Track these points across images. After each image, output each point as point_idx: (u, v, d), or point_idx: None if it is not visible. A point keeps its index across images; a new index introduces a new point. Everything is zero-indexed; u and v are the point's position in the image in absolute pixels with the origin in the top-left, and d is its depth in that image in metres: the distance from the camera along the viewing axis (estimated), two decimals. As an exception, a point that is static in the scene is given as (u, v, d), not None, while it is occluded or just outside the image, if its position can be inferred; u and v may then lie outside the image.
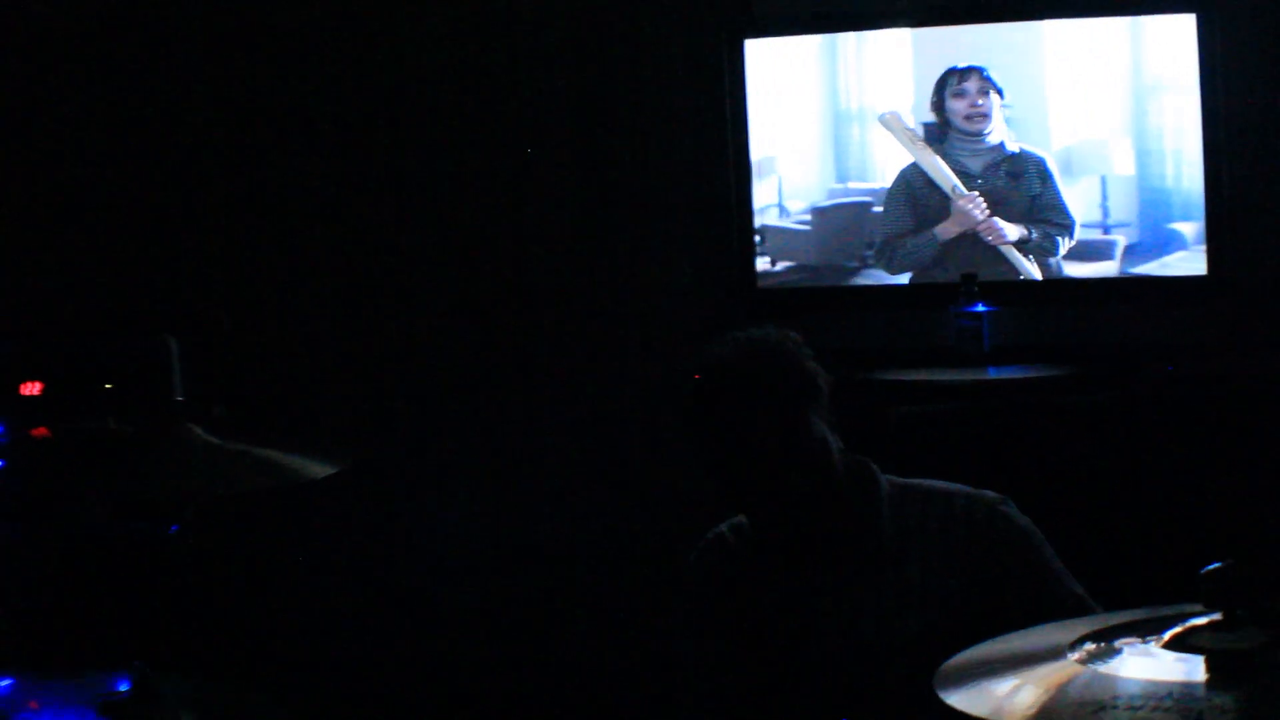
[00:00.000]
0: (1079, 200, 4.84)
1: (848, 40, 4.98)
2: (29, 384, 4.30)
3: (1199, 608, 1.77)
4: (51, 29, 5.16)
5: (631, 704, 4.82)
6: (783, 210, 5.05)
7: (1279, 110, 4.76)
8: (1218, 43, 4.69)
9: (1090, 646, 1.78)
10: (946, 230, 4.91)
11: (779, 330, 2.94)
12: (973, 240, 4.90)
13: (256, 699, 2.65)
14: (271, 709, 2.62)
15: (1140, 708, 1.61)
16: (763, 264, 5.05)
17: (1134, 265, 4.81)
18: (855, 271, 5.02)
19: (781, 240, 5.06)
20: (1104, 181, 4.86)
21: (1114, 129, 4.85)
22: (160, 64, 5.16)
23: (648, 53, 5.08)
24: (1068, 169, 4.85)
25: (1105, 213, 4.85)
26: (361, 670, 4.98)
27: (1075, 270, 4.85)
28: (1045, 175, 4.85)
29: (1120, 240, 4.84)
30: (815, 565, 2.88)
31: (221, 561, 4.76)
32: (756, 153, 5.02)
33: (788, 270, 5.06)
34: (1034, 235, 4.86)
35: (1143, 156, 4.82)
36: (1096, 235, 4.85)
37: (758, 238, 5.04)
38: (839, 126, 5.00)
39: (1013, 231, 4.86)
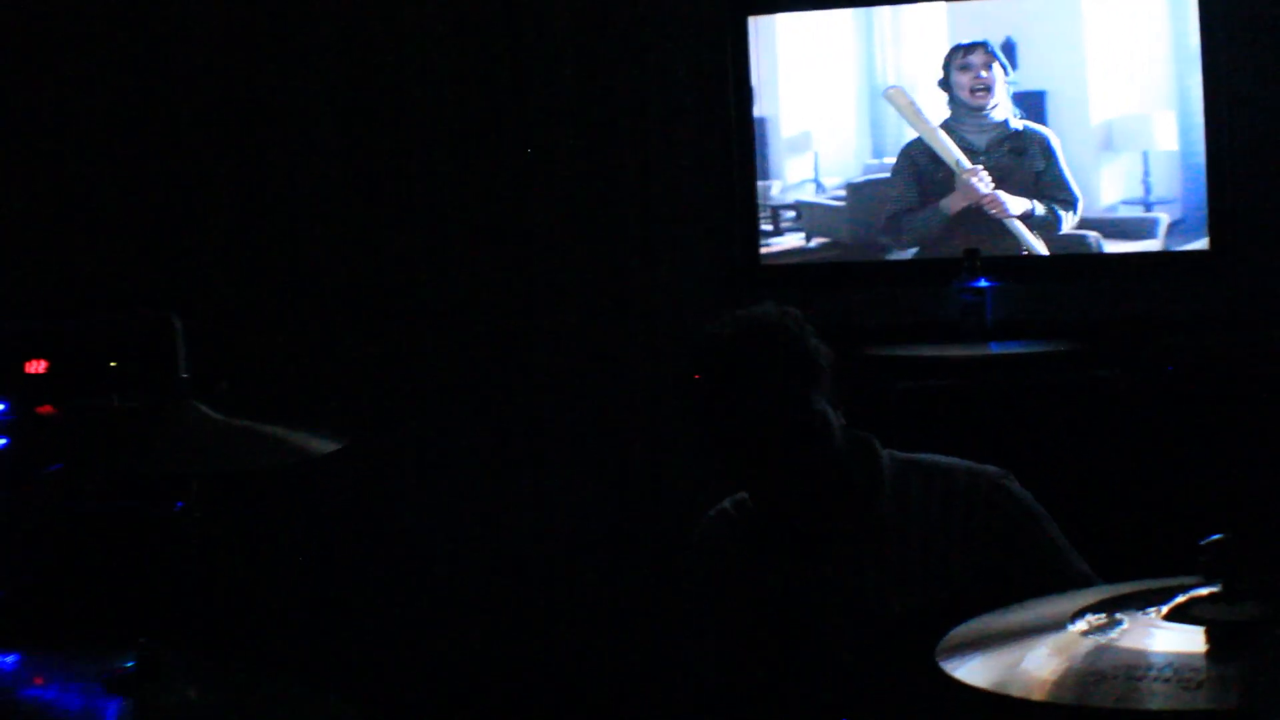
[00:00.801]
0: (1119, 177, 4.83)
1: (883, 14, 4.97)
2: (34, 362, 4.31)
3: (1199, 580, 1.77)
4: (55, 13, 5.16)
5: (630, 691, 4.83)
6: (819, 186, 5.05)
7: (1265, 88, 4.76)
8: (1220, 14, 4.70)
9: (1091, 618, 1.79)
10: (953, 204, 4.92)
11: (779, 307, 2.94)
12: (978, 214, 4.91)
13: (261, 674, 2.66)
14: (276, 684, 2.63)
15: (1140, 679, 1.62)
16: (797, 240, 5.05)
17: (1179, 244, 4.80)
18: (887, 248, 5.03)
19: (817, 216, 5.06)
20: (1146, 157, 4.84)
21: (1156, 103, 4.84)
22: (164, 44, 5.16)
23: (652, 31, 5.07)
24: (1109, 144, 4.84)
25: (1147, 189, 4.84)
26: (364, 646, 4.99)
27: (1115, 248, 4.84)
28: (1049, 152, 4.85)
29: (1164, 218, 4.82)
30: (817, 540, 2.89)
31: (227, 538, 4.77)
32: (792, 128, 5.02)
33: (822, 247, 5.07)
34: (1037, 210, 4.86)
35: (1186, 131, 4.80)
36: (1139, 213, 4.83)
37: (793, 213, 5.04)
38: (875, 101, 5.00)
39: (1017, 205, 4.87)
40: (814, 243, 5.06)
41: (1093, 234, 4.86)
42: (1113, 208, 4.86)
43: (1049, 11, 4.88)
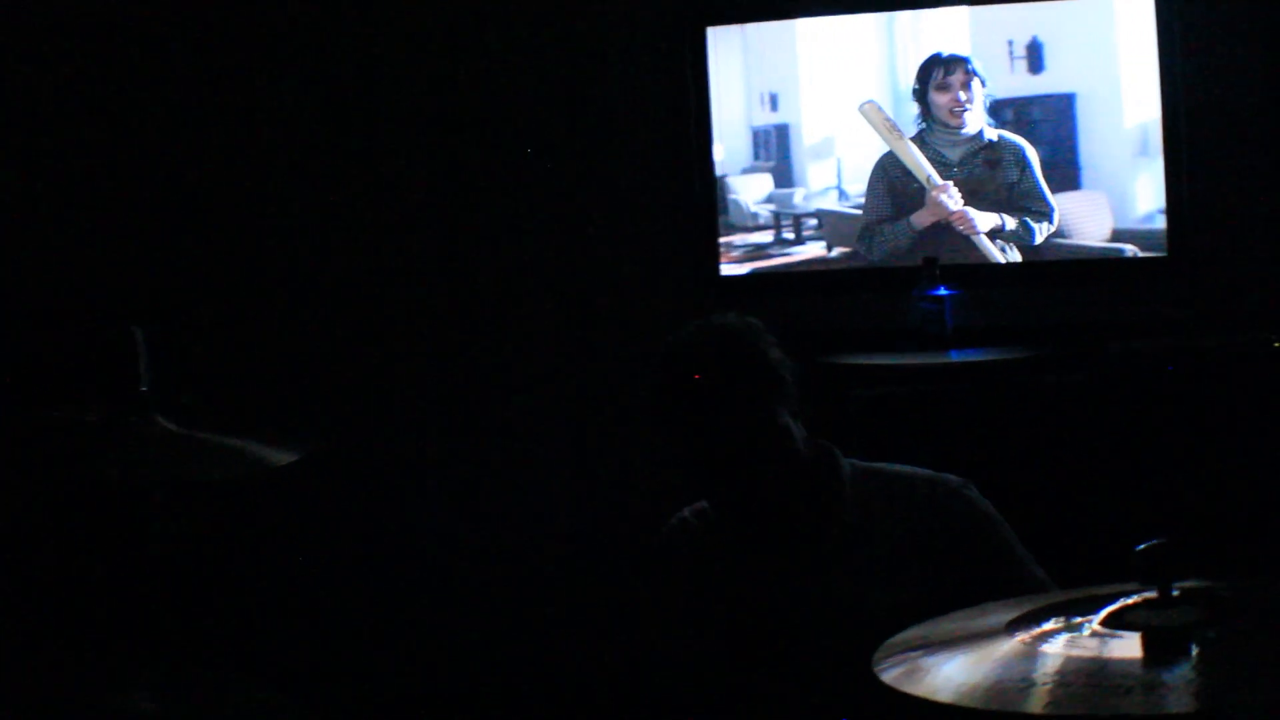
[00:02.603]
0: (1157, 182, 4.82)
1: (904, 19, 4.98)
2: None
3: (1135, 585, 1.79)
4: (23, 23, 5.15)
5: (608, 694, 4.84)
6: (841, 194, 5.07)
7: (1238, 86, 4.79)
8: (1177, 16, 4.72)
9: (1028, 625, 1.81)
10: (921, 219, 4.94)
11: (741, 318, 2.96)
12: (946, 229, 4.92)
13: (223, 685, 2.67)
14: (237, 695, 2.64)
15: (1074, 685, 1.64)
16: (817, 249, 5.06)
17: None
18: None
19: (837, 225, 5.07)
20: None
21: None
22: (130, 55, 5.15)
23: (615, 41, 5.09)
24: (1144, 149, 4.82)
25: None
26: (335, 659, 4.99)
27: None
28: (1024, 163, 4.86)
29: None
30: (779, 549, 2.90)
31: (192, 550, 4.77)
32: (814, 134, 5.03)
33: (843, 256, 5.08)
34: (1007, 225, 4.87)
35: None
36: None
37: (814, 221, 5.05)
38: (898, 107, 5.00)
39: (984, 222, 4.88)
40: (835, 252, 5.08)
41: (1129, 247, 4.85)
42: (1149, 217, 4.86)
43: (1079, 11, 4.86)
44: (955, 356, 4.46)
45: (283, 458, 2.95)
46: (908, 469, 2.99)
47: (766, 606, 2.89)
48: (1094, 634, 1.75)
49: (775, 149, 5.04)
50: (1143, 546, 1.76)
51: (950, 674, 1.68)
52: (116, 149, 5.16)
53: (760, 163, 5.04)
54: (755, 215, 5.06)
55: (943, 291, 4.53)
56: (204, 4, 5.18)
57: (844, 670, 2.78)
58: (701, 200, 5.02)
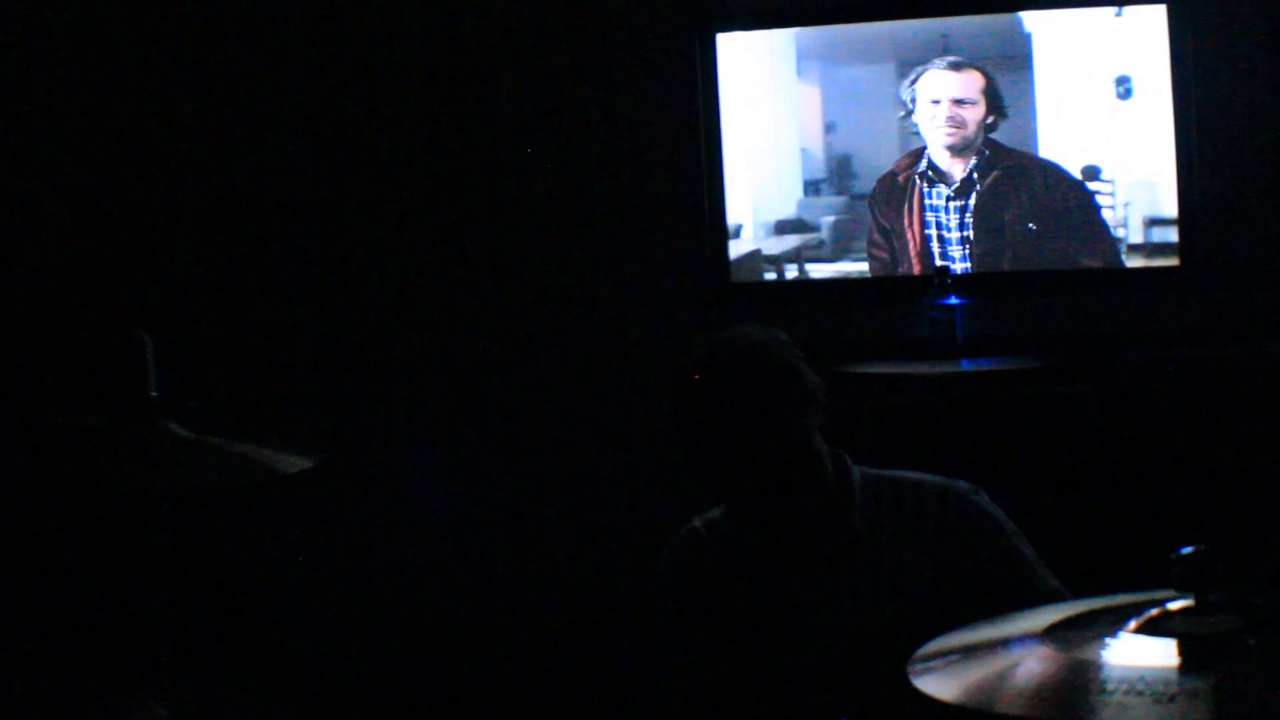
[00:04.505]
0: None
1: None
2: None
3: (1171, 593, 1.77)
4: (21, 28, 5.14)
5: (616, 698, 4.83)
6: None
7: (1248, 102, 4.78)
8: (1188, 35, 4.71)
9: (1063, 633, 1.79)
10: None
11: (767, 330, 2.93)
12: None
13: (233, 693, 2.65)
14: (248, 703, 2.62)
15: (1113, 692, 1.62)
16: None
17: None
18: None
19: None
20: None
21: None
22: (135, 60, 5.14)
23: (623, 49, 5.07)
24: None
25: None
26: (342, 666, 4.98)
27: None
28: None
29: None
30: (790, 556, 2.89)
31: (200, 557, 4.75)
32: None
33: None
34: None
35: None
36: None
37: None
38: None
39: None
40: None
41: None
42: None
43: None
44: (966, 366, 4.45)
45: (295, 464, 2.93)
46: (917, 475, 2.98)
47: (776, 613, 2.89)
48: (1130, 642, 1.73)
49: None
50: (1180, 553, 1.74)
51: (991, 683, 1.66)
52: (124, 155, 5.15)
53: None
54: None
55: (954, 300, 4.52)
56: (213, 13, 5.16)
57: (853, 676, 2.78)
58: (710, 206, 4.99)
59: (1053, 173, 4.83)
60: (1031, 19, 4.84)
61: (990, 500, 2.94)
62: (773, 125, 4.99)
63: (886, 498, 2.92)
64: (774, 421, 2.80)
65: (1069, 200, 4.83)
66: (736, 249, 5.01)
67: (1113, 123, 4.79)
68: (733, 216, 5.00)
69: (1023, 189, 4.85)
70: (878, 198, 4.94)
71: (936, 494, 2.91)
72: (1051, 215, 4.85)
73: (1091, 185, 4.80)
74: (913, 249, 4.92)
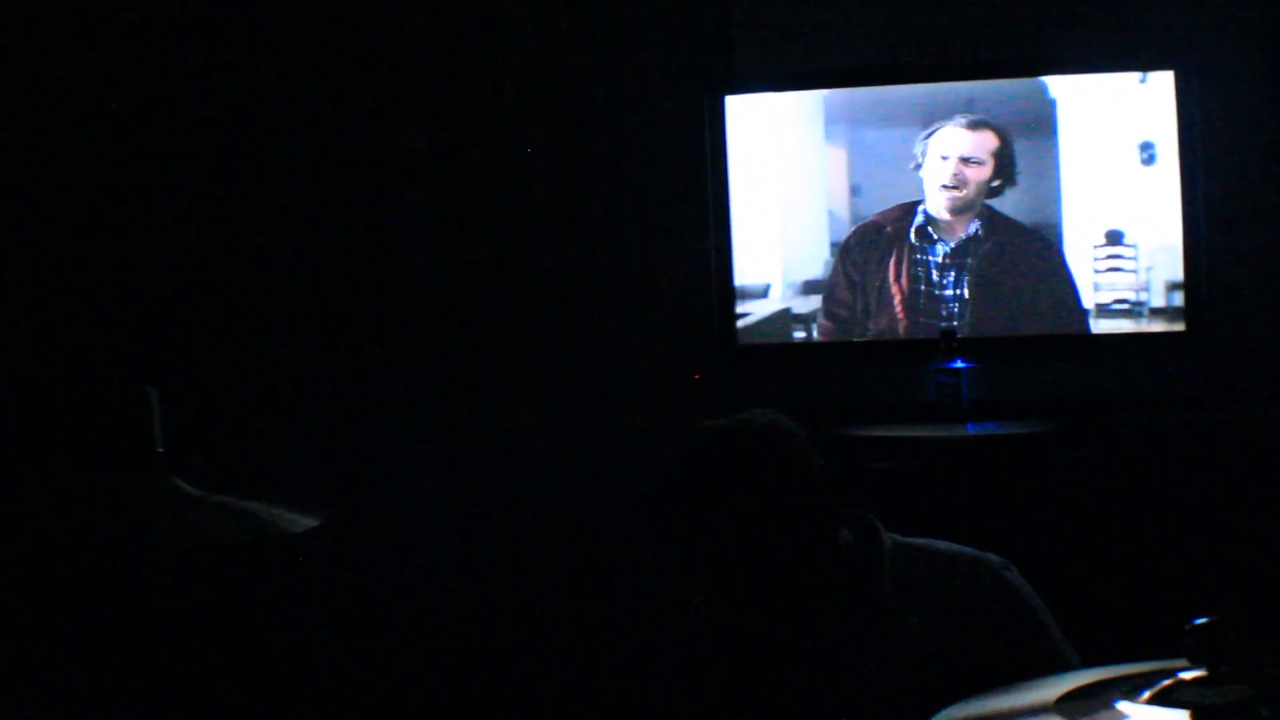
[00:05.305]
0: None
1: None
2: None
3: (1183, 663, 1.76)
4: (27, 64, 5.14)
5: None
6: None
7: (1257, 167, 4.80)
8: (1195, 100, 4.73)
9: (1075, 702, 1.78)
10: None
11: (779, 416, 2.85)
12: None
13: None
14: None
15: (1126, 763, 1.62)
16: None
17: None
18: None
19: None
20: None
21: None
22: (143, 99, 5.13)
23: (631, 109, 5.09)
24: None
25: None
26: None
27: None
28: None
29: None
30: (812, 624, 2.86)
31: (203, 613, 4.75)
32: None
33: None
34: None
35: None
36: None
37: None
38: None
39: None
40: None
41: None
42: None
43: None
44: (972, 429, 4.44)
45: (303, 523, 2.93)
46: (950, 547, 2.91)
47: (796, 684, 2.85)
48: (1143, 713, 1.72)
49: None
50: (1194, 624, 1.73)
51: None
52: (130, 210, 5.14)
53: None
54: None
55: (959, 364, 4.52)
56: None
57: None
58: (717, 267, 5.00)
59: (1040, 239, 4.87)
60: (1056, 85, 4.86)
61: (1020, 576, 2.89)
62: (802, 187, 5.01)
63: (916, 566, 2.85)
64: (798, 519, 2.70)
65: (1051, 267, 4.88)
66: (766, 308, 5.01)
67: (1136, 188, 4.81)
68: (761, 276, 5.01)
69: (1019, 255, 4.87)
70: (853, 248, 4.95)
71: (966, 566, 2.86)
72: (1038, 280, 4.88)
73: (1114, 249, 4.82)
74: (898, 303, 4.93)
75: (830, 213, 5.00)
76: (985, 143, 4.87)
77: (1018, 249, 4.87)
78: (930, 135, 4.89)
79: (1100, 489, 4.53)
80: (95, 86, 5.11)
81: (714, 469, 2.72)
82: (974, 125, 4.88)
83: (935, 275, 4.89)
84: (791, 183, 5.01)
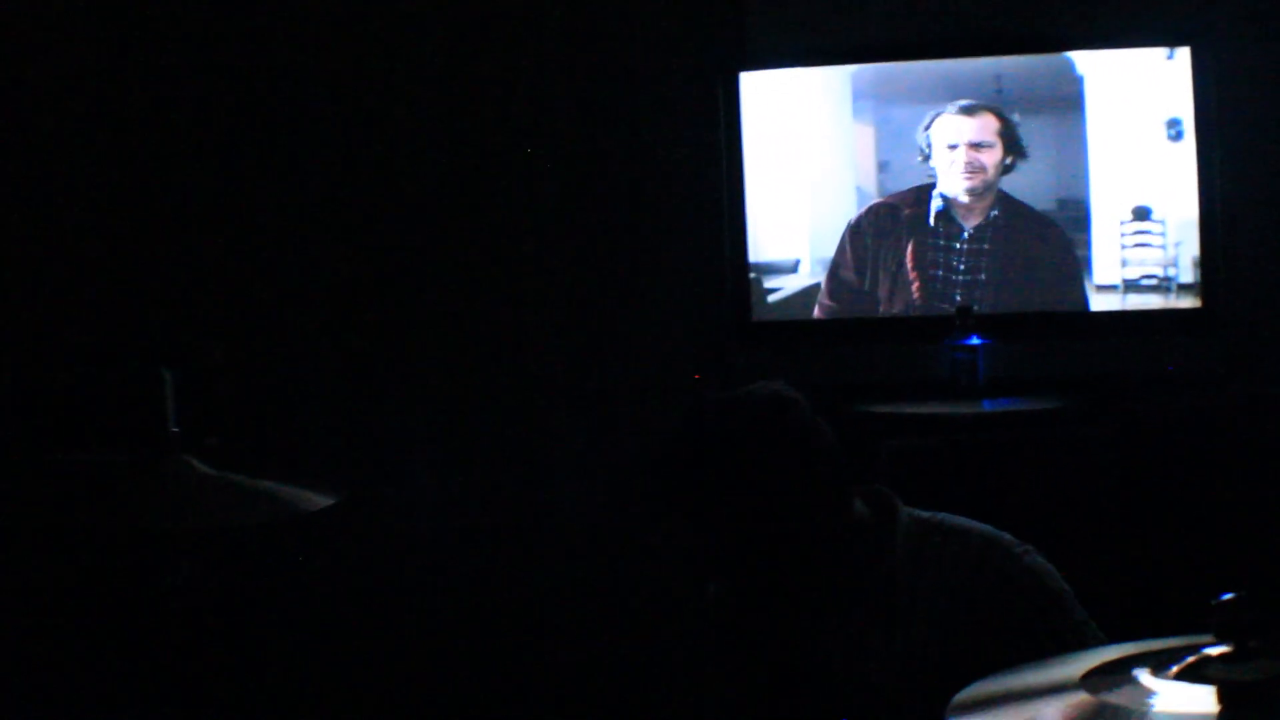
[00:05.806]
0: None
1: None
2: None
3: (1210, 639, 1.75)
4: (35, 54, 5.14)
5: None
6: None
7: (1271, 143, 4.78)
8: (1211, 76, 4.72)
9: (1101, 678, 1.76)
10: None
11: (789, 388, 2.82)
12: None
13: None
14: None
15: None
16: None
17: None
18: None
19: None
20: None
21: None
22: (157, 90, 5.13)
23: (645, 86, 5.08)
24: None
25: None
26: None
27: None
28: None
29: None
30: (823, 598, 2.83)
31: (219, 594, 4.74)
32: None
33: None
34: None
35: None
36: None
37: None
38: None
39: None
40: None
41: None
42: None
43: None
44: (988, 406, 4.42)
45: (318, 502, 2.92)
46: (966, 523, 2.86)
47: (807, 662, 2.84)
48: (1169, 688, 1.71)
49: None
50: (1220, 600, 1.72)
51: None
52: (144, 195, 5.14)
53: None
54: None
55: (976, 341, 4.51)
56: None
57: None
58: (731, 243, 4.99)
59: (1048, 223, 4.87)
60: (1084, 62, 4.84)
61: (1040, 559, 2.84)
62: (831, 163, 5.01)
63: (931, 542, 2.82)
64: (812, 492, 2.67)
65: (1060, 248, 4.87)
66: (795, 283, 5.02)
67: (1164, 164, 4.80)
68: (790, 252, 5.02)
69: (1034, 237, 4.86)
70: (864, 228, 4.94)
71: (980, 544, 2.82)
72: (1050, 261, 4.87)
73: (1141, 225, 4.81)
74: (915, 288, 4.91)
75: (858, 189, 4.99)
76: (987, 125, 4.87)
77: (1033, 233, 4.87)
78: (929, 126, 4.89)
79: (1117, 465, 4.52)
80: (120, 78, 5.13)
81: (722, 438, 2.67)
82: (970, 110, 4.88)
83: (954, 260, 4.88)
84: (819, 159, 5.00)
